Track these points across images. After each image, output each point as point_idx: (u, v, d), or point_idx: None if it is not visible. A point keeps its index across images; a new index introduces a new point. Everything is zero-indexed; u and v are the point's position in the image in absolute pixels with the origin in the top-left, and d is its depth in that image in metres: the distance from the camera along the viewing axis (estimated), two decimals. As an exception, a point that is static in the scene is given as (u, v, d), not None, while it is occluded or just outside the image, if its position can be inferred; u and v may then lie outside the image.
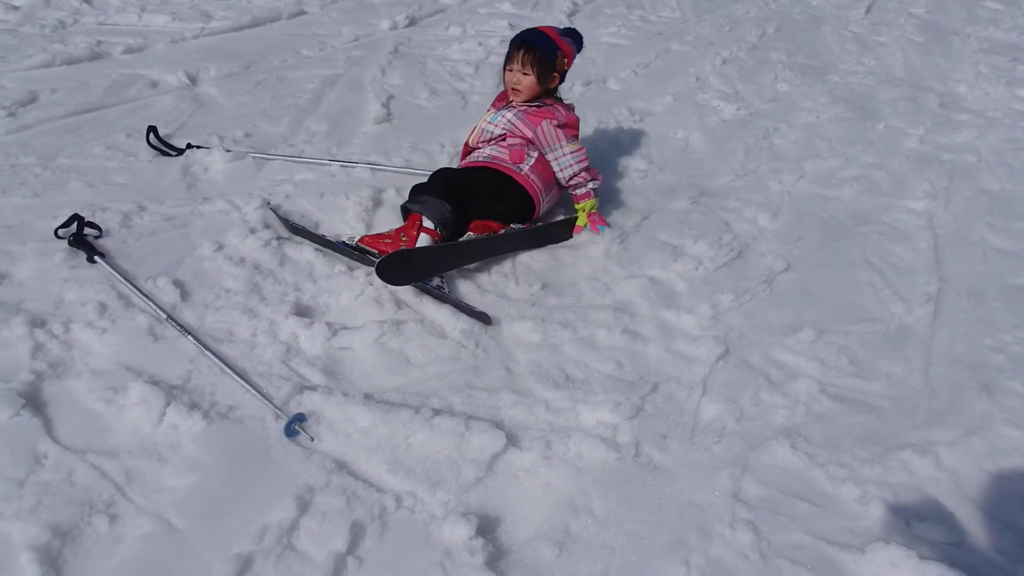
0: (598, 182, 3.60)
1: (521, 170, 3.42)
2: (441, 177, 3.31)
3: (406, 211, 3.23)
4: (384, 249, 3.02)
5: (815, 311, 3.24)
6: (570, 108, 3.62)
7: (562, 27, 3.66)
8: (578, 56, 3.70)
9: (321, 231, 3.40)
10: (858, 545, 2.16)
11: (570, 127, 3.54)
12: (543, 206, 3.56)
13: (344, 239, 3.16)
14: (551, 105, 3.52)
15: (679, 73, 6.15)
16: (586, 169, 3.53)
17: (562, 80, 3.57)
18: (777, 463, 2.44)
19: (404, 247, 3.04)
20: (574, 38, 3.59)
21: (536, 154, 3.48)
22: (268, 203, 3.42)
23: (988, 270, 3.72)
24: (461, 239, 3.20)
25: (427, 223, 3.10)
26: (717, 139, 4.95)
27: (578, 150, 3.51)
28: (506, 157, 3.44)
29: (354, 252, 3.09)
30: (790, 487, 2.35)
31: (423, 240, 3.08)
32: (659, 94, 5.59)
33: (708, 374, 2.79)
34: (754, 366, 2.87)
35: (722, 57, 6.63)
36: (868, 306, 3.33)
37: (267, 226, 3.32)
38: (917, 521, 2.26)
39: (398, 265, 2.87)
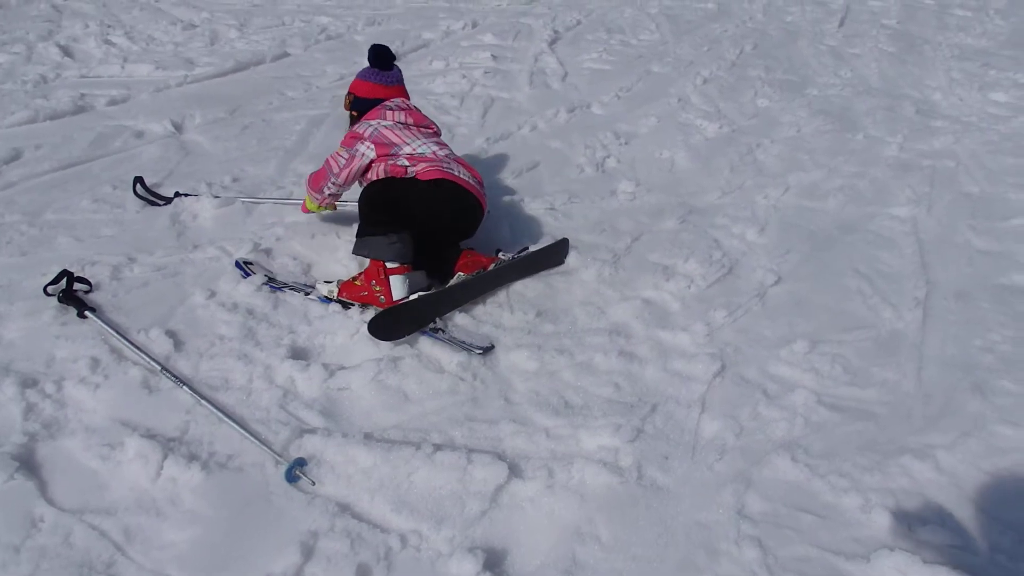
0: (316, 191, 3.49)
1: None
2: (374, 208, 3.17)
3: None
4: (362, 299, 3.07)
5: (807, 322, 3.26)
6: (356, 129, 3.43)
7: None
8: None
9: (314, 272, 3.42)
10: (863, 554, 2.16)
11: (346, 138, 3.43)
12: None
13: (324, 293, 3.16)
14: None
15: (661, 95, 6.24)
16: (329, 171, 3.40)
17: (354, 105, 3.55)
18: (779, 476, 2.44)
19: (381, 295, 3.06)
20: (368, 57, 3.59)
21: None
22: (239, 264, 3.34)
23: (974, 271, 3.77)
24: (451, 283, 3.18)
25: (389, 264, 3.08)
26: (702, 157, 5.02)
27: (337, 154, 3.40)
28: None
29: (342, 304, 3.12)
30: (793, 500, 2.35)
31: (395, 283, 3.07)
32: (643, 116, 5.67)
33: (706, 391, 2.80)
34: (751, 381, 2.88)
35: (702, 76, 6.74)
36: (859, 314, 3.36)
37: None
38: (920, 526, 2.27)
39: (389, 323, 2.88)
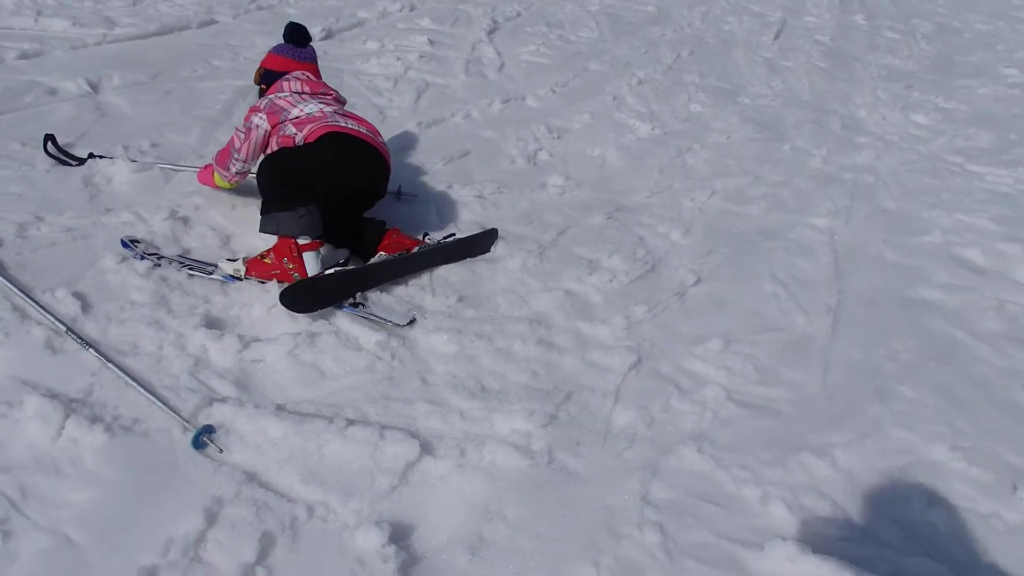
0: (223, 168, 3.41)
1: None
2: (274, 182, 3.06)
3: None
4: (275, 277, 3.00)
5: (724, 322, 3.37)
6: (255, 104, 3.38)
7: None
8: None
9: (232, 244, 3.34)
10: (758, 542, 2.25)
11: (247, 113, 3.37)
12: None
13: (231, 272, 3.03)
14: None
15: (597, 92, 6.31)
16: (232, 148, 3.34)
17: (265, 78, 3.56)
18: (685, 467, 2.52)
19: (295, 271, 2.99)
20: (285, 36, 3.60)
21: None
22: (125, 242, 3.14)
23: (884, 283, 3.94)
24: (371, 261, 3.15)
25: (301, 239, 3.01)
26: (633, 157, 5.11)
27: (237, 130, 3.35)
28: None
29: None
30: (697, 489, 2.43)
31: (309, 259, 3.02)
32: (577, 112, 5.73)
33: (621, 383, 2.86)
34: (665, 375, 2.96)
35: (638, 78, 6.84)
36: (773, 317, 3.49)
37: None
38: (813, 519, 2.38)
39: (301, 295, 2.83)
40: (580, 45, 7.69)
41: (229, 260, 3.07)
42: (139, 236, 3.23)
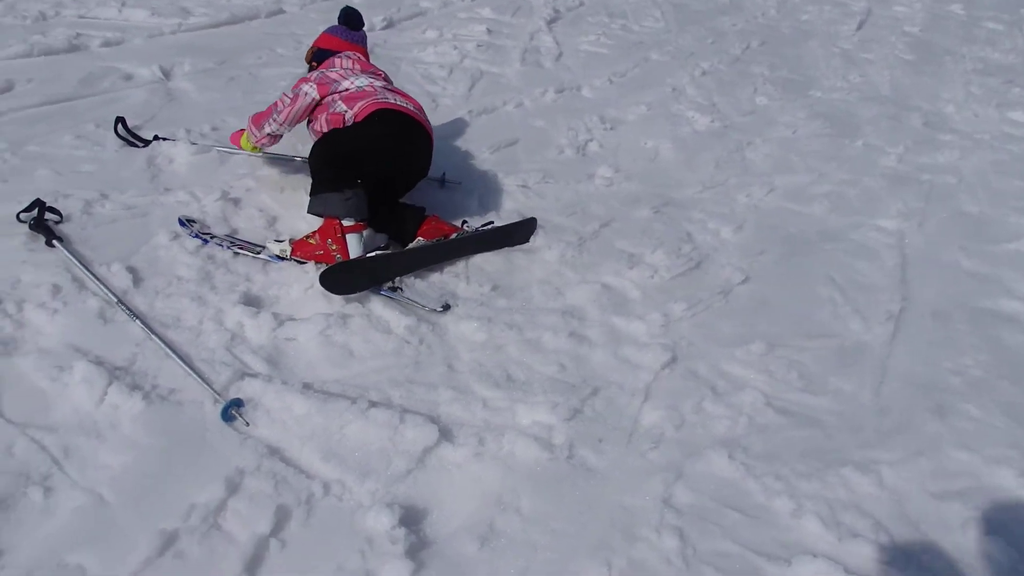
0: (256, 128, 3.51)
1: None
2: (325, 163, 3.11)
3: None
4: (318, 258, 3.05)
5: (769, 324, 3.25)
6: (311, 75, 3.44)
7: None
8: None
9: (278, 225, 3.42)
10: (786, 557, 2.17)
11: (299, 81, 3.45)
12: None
13: (277, 252, 3.11)
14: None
15: (656, 83, 6.18)
16: (274, 110, 3.42)
17: (316, 56, 3.65)
18: (713, 472, 2.44)
19: (337, 253, 3.04)
20: (339, 19, 3.69)
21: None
22: (182, 221, 3.26)
23: (957, 292, 3.71)
24: (409, 247, 3.17)
25: (345, 221, 3.06)
26: (688, 150, 4.98)
27: (283, 95, 3.42)
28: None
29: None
30: (723, 496, 2.36)
31: (352, 241, 3.06)
32: (633, 103, 5.62)
33: (652, 381, 2.80)
34: (700, 376, 2.88)
35: (702, 68, 6.66)
36: (825, 322, 3.35)
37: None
38: (849, 537, 2.26)
39: (342, 277, 2.88)
40: (643, 35, 7.53)
41: (276, 241, 3.16)
42: (190, 214, 3.34)
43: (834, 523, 2.30)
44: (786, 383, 2.91)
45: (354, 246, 3.07)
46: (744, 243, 3.89)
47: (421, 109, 3.39)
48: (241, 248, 3.14)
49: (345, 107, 3.22)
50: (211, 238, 3.18)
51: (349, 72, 3.37)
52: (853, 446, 2.64)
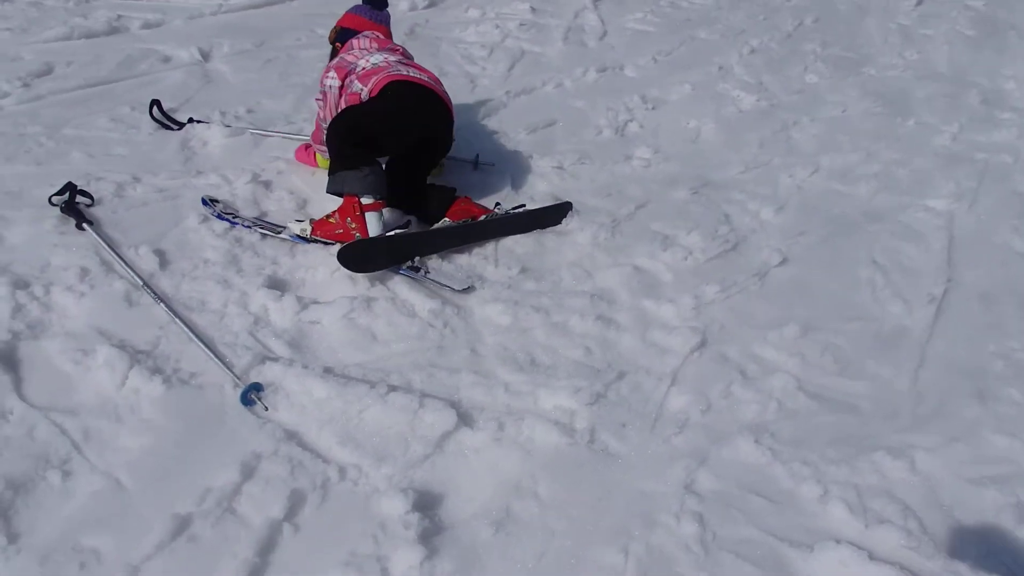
0: (321, 145, 3.44)
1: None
2: (342, 141, 3.10)
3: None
4: (338, 237, 3.04)
5: (806, 307, 3.14)
6: (331, 63, 3.49)
7: None
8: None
9: (308, 208, 3.43)
10: (809, 543, 2.09)
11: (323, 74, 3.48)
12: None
13: (298, 232, 3.12)
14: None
15: (702, 62, 6.01)
16: (320, 121, 3.46)
17: (339, 36, 3.66)
18: (738, 458, 2.37)
19: (357, 231, 3.03)
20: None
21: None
22: (205, 200, 3.31)
23: (1006, 274, 3.54)
24: (433, 227, 3.14)
25: (364, 199, 3.04)
26: (731, 130, 4.83)
27: (316, 100, 3.51)
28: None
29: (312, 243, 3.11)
30: (747, 482, 2.29)
31: (371, 219, 3.04)
32: (677, 83, 5.47)
33: (680, 365, 2.72)
34: (730, 359, 2.79)
35: (751, 47, 6.46)
36: (864, 305, 3.22)
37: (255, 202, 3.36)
38: (877, 524, 2.17)
39: (359, 255, 2.86)
40: (691, 12, 7.33)
41: (297, 221, 3.16)
42: (220, 197, 3.37)
43: (861, 509, 2.21)
44: (820, 367, 2.81)
45: (373, 224, 3.06)
46: (784, 225, 3.76)
47: (437, 80, 3.36)
48: (263, 229, 3.16)
49: (361, 85, 3.24)
50: (233, 218, 3.20)
51: (366, 52, 3.38)
52: (887, 431, 2.54)
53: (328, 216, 3.13)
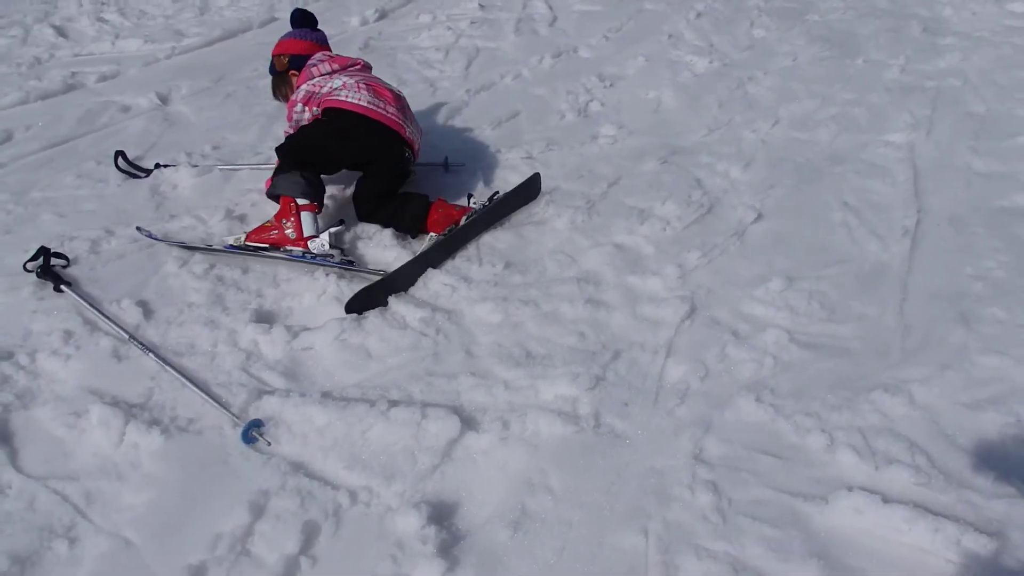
0: None
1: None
2: (281, 154, 3.29)
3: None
4: (273, 240, 3.14)
5: (786, 259, 3.18)
6: (295, 95, 3.53)
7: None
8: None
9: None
10: (822, 494, 2.12)
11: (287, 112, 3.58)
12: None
13: (231, 241, 3.21)
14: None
15: (652, 33, 6.01)
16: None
17: (292, 63, 3.68)
18: (742, 419, 2.40)
19: (291, 230, 3.12)
20: (291, 21, 3.76)
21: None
22: (139, 228, 3.40)
23: (971, 195, 3.61)
24: (424, 247, 3.13)
25: (300, 200, 3.14)
26: (690, 95, 4.85)
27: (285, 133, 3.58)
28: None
29: (247, 250, 3.18)
30: (754, 442, 2.31)
31: (306, 219, 3.13)
32: (630, 57, 5.47)
33: (673, 336, 2.75)
34: (721, 322, 2.82)
35: (696, 11, 6.46)
36: (842, 248, 3.26)
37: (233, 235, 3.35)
38: (886, 464, 2.21)
39: (365, 300, 2.88)
40: (634, -15, 7.32)
41: (231, 235, 3.29)
42: (195, 236, 3.39)
43: (869, 452, 2.25)
44: (808, 316, 2.84)
45: (308, 224, 3.13)
46: (754, 180, 3.79)
47: (392, 100, 3.39)
48: (197, 248, 3.23)
49: (317, 109, 3.35)
50: (169, 239, 3.30)
51: (328, 78, 3.43)
52: (881, 369, 2.58)
53: (264, 223, 3.22)
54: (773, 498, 2.13)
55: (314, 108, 3.40)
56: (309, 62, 3.50)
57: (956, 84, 4.82)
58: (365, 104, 3.29)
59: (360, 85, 3.34)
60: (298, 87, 3.48)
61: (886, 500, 2.07)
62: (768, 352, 2.66)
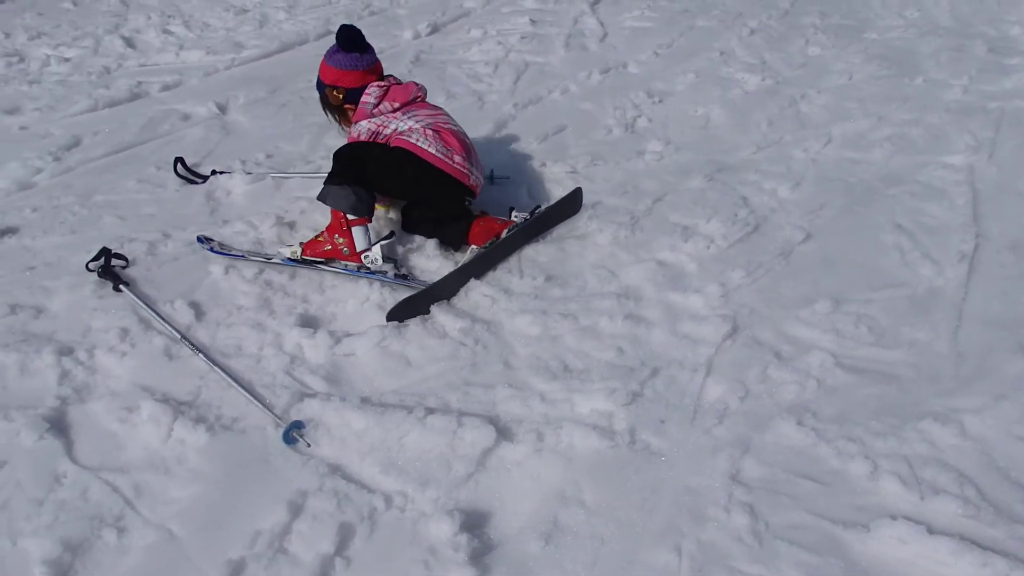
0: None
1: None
2: (338, 162, 3.24)
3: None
4: (327, 254, 3.19)
5: (834, 281, 3.12)
6: (354, 130, 3.43)
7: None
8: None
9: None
10: (864, 522, 2.08)
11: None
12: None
13: (288, 254, 3.24)
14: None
15: (703, 49, 5.99)
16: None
17: (347, 98, 3.49)
18: (781, 442, 2.36)
19: (344, 247, 3.15)
20: (338, 42, 3.49)
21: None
22: (201, 239, 3.44)
23: (1034, 222, 3.49)
24: (464, 259, 3.16)
25: (350, 216, 3.16)
26: (739, 112, 4.81)
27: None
28: None
29: (304, 264, 3.22)
30: (794, 466, 2.27)
31: (358, 234, 3.16)
32: (680, 73, 5.46)
33: (713, 355, 2.72)
34: (764, 343, 2.78)
35: (750, 28, 6.42)
36: (893, 271, 3.19)
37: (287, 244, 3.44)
38: (933, 495, 2.15)
39: (406, 310, 2.92)
40: (687, 2, 7.30)
41: (288, 246, 3.28)
42: (244, 241, 3.47)
43: (914, 481, 2.19)
44: (855, 339, 2.78)
45: (360, 238, 3.15)
46: (803, 200, 3.74)
47: (458, 149, 3.33)
48: (255, 257, 3.30)
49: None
50: (229, 252, 3.34)
51: (390, 116, 3.36)
52: (931, 397, 2.51)
53: (317, 236, 3.25)
54: (812, 523, 2.09)
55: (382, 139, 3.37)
56: (364, 97, 3.41)
57: (1022, 106, 4.68)
58: (434, 152, 3.27)
59: (427, 132, 3.30)
60: (356, 121, 3.41)
61: (931, 531, 2.02)
62: (812, 375, 2.61)
